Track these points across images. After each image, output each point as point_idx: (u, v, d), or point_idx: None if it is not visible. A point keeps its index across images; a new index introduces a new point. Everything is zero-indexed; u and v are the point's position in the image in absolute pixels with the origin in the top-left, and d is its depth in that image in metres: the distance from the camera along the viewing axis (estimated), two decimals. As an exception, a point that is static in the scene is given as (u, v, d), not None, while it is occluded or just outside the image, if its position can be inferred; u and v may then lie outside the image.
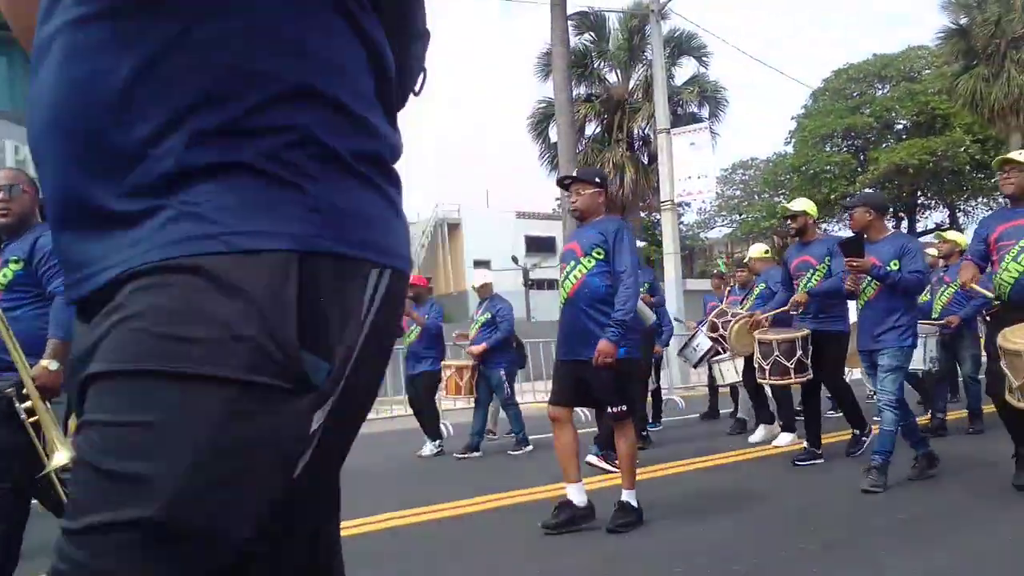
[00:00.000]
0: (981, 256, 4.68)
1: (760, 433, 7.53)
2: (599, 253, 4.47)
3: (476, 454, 7.80)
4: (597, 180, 4.67)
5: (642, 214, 30.33)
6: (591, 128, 24.66)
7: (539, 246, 37.26)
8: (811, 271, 6.12)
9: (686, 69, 24.28)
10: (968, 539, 3.86)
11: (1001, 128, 25.40)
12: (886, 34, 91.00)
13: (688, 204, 33.72)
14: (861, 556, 3.62)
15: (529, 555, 4.00)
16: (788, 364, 6.09)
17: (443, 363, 8.12)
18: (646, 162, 23.52)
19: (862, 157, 36.11)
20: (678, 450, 7.26)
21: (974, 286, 4.72)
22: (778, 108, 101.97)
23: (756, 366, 6.46)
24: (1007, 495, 4.61)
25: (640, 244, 6.58)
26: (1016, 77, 24.14)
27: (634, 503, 4.36)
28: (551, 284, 25.27)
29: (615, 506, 4.35)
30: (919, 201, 37.38)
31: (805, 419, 6.39)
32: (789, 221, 6.33)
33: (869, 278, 5.17)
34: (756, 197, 40.82)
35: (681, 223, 31.98)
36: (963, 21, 25.66)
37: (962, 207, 37.04)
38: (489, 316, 8.04)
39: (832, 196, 35.69)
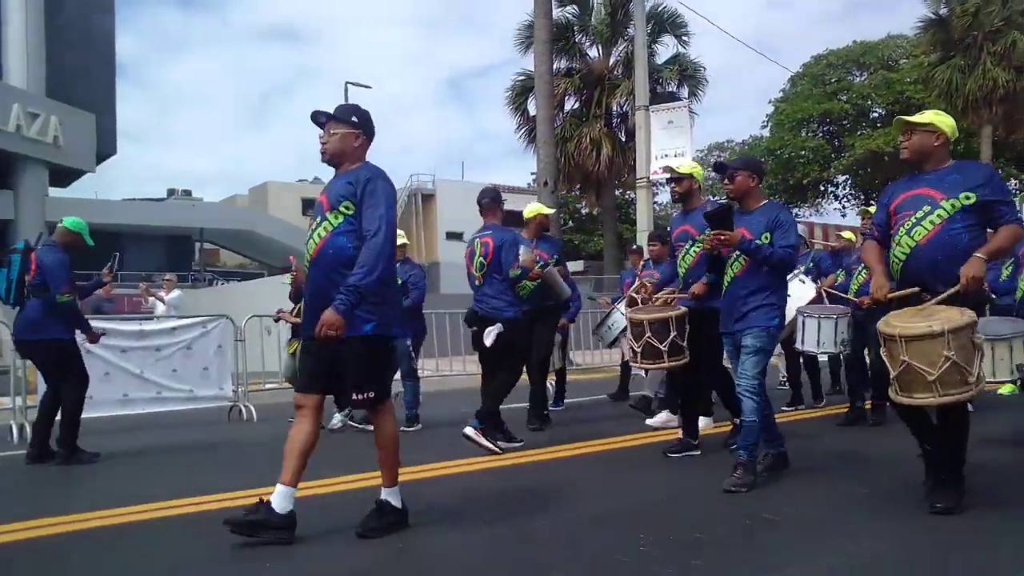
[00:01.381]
0: (883, 226, 4.16)
1: (661, 418, 7.00)
2: (348, 207, 3.70)
3: (418, 426, 7.41)
4: (354, 119, 3.84)
5: (617, 192, 30.32)
6: (570, 103, 24.58)
7: (514, 220, 37.09)
8: (690, 243, 5.48)
9: (667, 47, 24.24)
10: (818, 554, 3.33)
11: (974, 119, 25.66)
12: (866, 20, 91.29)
13: (664, 183, 33.75)
14: (671, 572, 3.11)
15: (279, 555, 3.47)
16: (661, 346, 5.54)
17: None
18: (623, 139, 23.47)
19: (837, 143, 36.35)
20: (563, 433, 6.83)
21: (830, 290, 4.67)
22: (757, 91, 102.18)
23: (628, 348, 5.90)
24: (884, 500, 4.12)
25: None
26: (991, 69, 24.37)
27: (396, 503, 3.79)
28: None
29: (373, 505, 3.79)
30: (890, 190, 37.71)
31: (682, 406, 5.89)
32: (673, 184, 5.66)
33: (737, 252, 4.69)
34: (731, 179, 41.00)
35: (656, 203, 32.11)
36: (943, 11, 25.81)
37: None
38: (400, 282, 7.24)
39: (805, 181, 35.95)
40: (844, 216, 38.41)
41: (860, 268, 6.79)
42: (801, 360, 7.98)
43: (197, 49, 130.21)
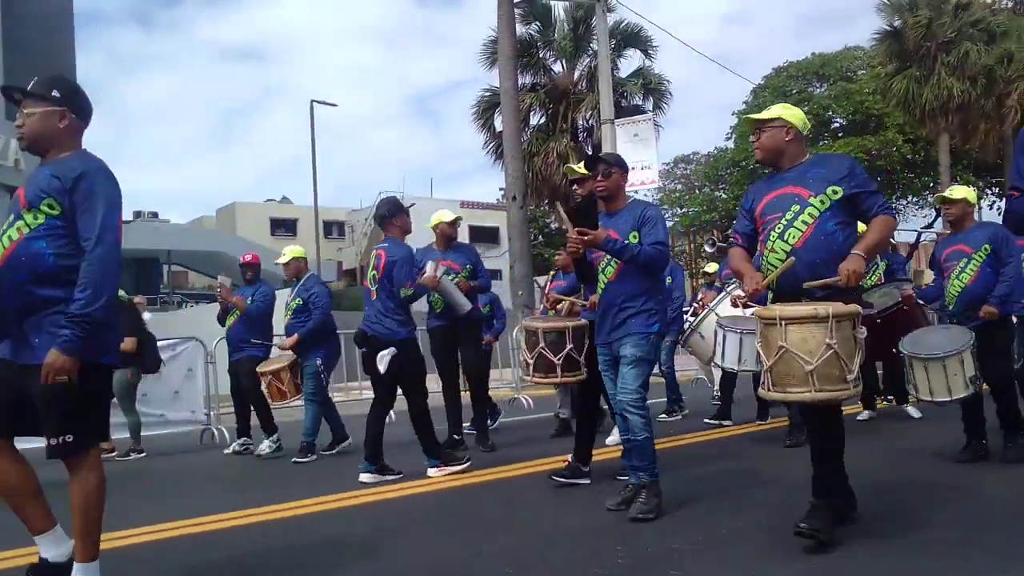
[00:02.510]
0: (747, 234, 3.88)
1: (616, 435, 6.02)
2: (51, 206, 3.00)
3: (312, 457, 6.86)
4: (56, 94, 3.14)
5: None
6: (536, 118, 24.73)
7: (484, 236, 37.24)
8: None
9: (631, 61, 24.53)
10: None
11: (931, 128, 26.25)
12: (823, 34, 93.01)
13: (631, 196, 34.03)
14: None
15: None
16: (554, 359, 5.09)
17: (259, 369, 7.22)
18: (590, 153, 23.66)
19: (800, 153, 36.83)
20: (484, 457, 6.45)
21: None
22: (720, 104, 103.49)
23: (521, 359, 5.52)
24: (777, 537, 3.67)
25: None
26: (945, 79, 24.96)
27: None
28: (495, 274, 25.35)
29: None
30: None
31: (576, 428, 5.40)
32: (575, 186, 5.31)
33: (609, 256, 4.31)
34: (697, 191, 41.42)
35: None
36: (897, 23, 26.42)
37: (894, 205, 38.18)
38: (301, 301, 7.18)
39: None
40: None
41: None
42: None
43: (159, 68, 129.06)
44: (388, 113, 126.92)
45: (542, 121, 24.81)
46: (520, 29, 21.24)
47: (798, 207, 3.64)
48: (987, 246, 5.25)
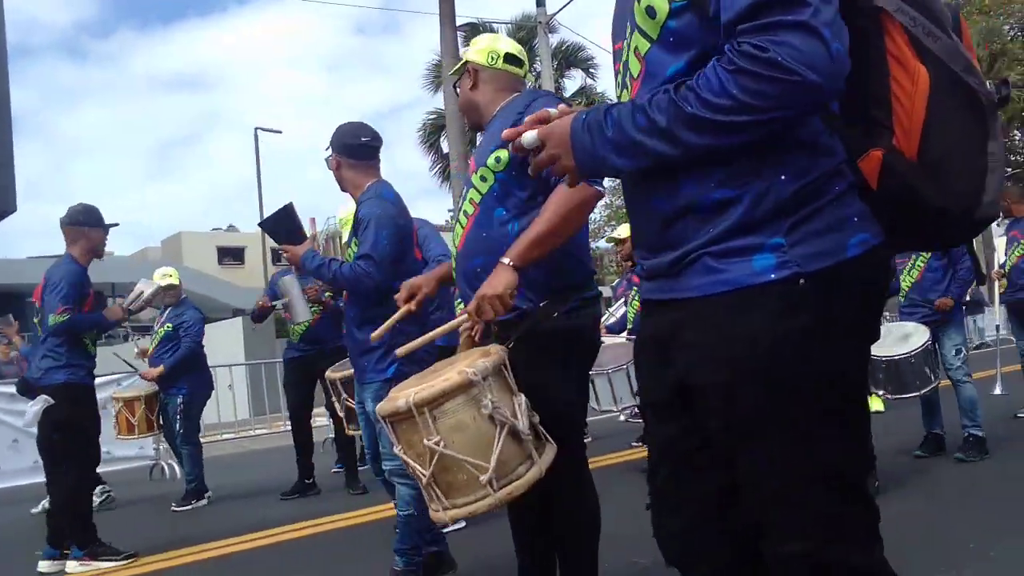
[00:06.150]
0: None
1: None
2: None
3: (204, 501, 6.56)
4: None
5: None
6: (482, 139, 24.89)
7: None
8: None
9: (574, 80, 24.86)
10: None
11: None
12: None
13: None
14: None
15: None
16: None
17: (112, 395, 6.85)
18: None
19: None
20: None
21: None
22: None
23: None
24: None
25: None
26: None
27: None
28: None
29: None
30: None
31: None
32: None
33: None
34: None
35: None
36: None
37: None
38: (171, 327, 6.60)
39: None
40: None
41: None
42: None
43: (95, 100, 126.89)
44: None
45: (488, 142, 24.97)
46: (463, 52, 21.40)
47: (465, 188, 2.61)
48: None
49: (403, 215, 3.46)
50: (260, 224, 3.86)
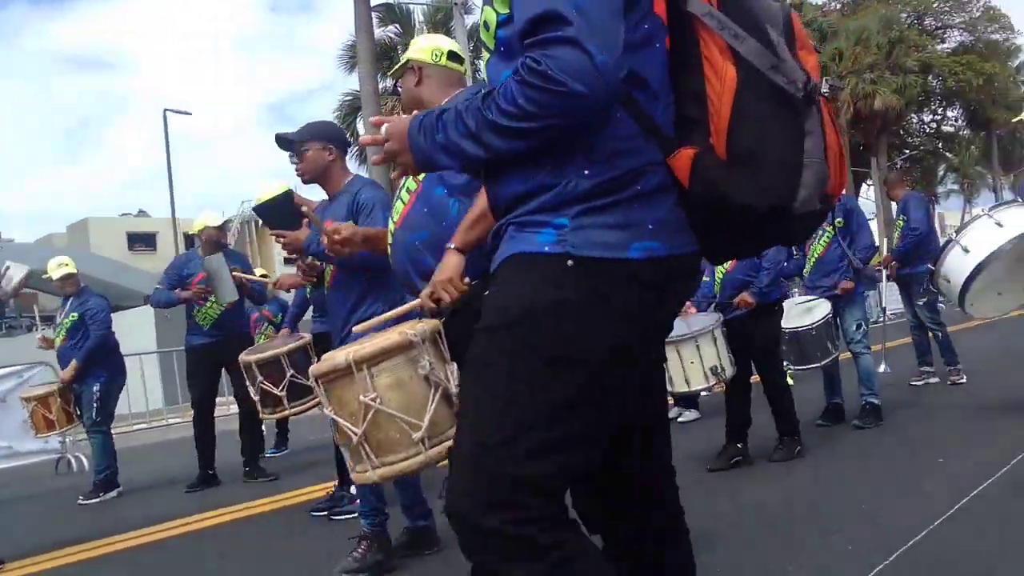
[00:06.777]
0: None
1: None
2: None
3: (114, 493, 6.42)
4: None
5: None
6: (400, 121, 24.65)
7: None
8: None
9: (490, 63, 24.83)
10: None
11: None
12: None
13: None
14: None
15: None
16: (278, 392, 4.62)
17: (22, 395, 6.75)
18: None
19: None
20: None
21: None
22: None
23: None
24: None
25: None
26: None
27: None
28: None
29: None
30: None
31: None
32: None
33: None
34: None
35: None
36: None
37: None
38: (76, 317, 6.45)
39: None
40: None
41: None
42: None
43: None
44: (248, 120, 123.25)
45: (406, 124, 24.75)
46: (379, 32, 21.15)
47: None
48: (839, 219, 5.70)
49: None
50: (256, 208, 3.73)
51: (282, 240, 3.42)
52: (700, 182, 1.39)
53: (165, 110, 28.25)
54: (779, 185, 1.38)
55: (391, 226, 2.79)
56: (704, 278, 5.26)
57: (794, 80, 1.38)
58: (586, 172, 1.41)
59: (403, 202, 2.72)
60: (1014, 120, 7.01)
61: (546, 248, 1.41)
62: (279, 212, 3.50)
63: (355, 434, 2.12)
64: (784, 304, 5.37)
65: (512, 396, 1.40)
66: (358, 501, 4.28)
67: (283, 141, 3.65)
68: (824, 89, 1.42)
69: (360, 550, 3.38)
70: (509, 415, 1.39)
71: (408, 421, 2.11)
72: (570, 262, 1.39)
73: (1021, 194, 5.34)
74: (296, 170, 3.66)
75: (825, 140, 1.42)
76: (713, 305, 5.18)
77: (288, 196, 3.57)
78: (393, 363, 2.13)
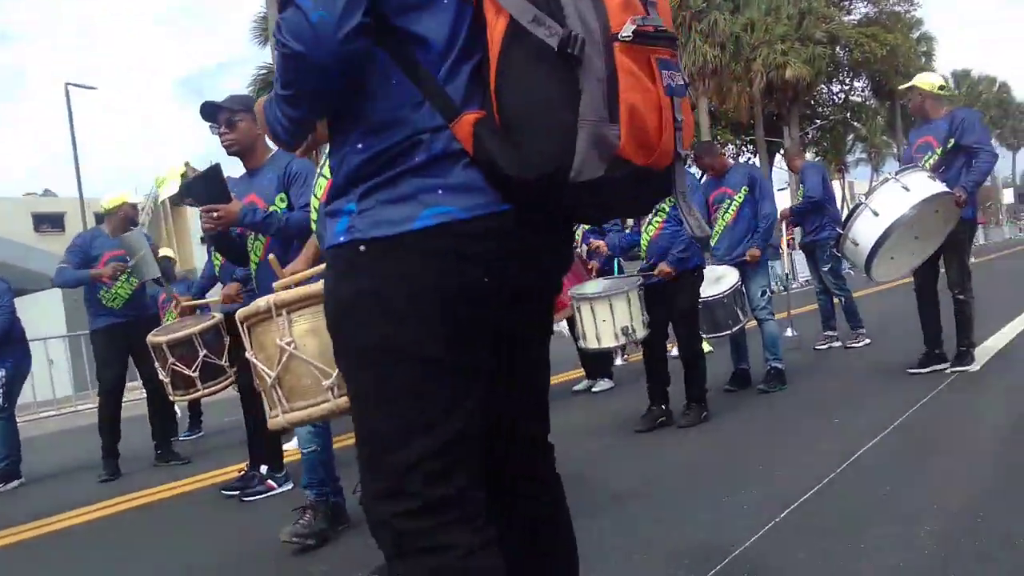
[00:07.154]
0: None
1: None
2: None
3: (15, 483, 6.13)
4: None
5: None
6: (317, 94, 24.20)
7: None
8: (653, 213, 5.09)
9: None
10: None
11: (691, 94, 28.29)
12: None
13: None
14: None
15: None
16: (190, 372, 4.55)
17: None
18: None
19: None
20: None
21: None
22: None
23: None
24: None
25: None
26: (700, 46, 27.00)
27: None
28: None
29: None
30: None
31: (250, 443, 4.75)
32: None
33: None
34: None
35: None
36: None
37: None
38: None
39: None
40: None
41: None
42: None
43: None
44: (160, 95, 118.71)
45: (323, 97, 24.31)
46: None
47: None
48: (745, 187, 5.87)
49: None
50: (184, 186, 3.69)
51: (215, 213, 3.33)
52: (480, 150, 1.29)
53: (67, 84, 26.97)
54: (546, 152, 1.24)
55: (315, 202, 2.90)
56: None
57: (555, 32, 1.22)
58: (359, 146, 1.35)
59: (326, 178, 2.79)
60: (900, 88, 7.27)
61: (341, 239, 1.37)
62: (208, 188, 3.42)
63: (269, 376, 2.24)
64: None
65: (359, 390, 1.42)
66: (269, 482, 4.32)
67: (212, 109, 3.57)
68: (625, 34, 1.23)
69: (306, 518, 3.46)
70: (365, 410, 1.41)
71: (320, 368, 2.19)
72: (362, 247, 1.34)
73: (906, 162, 5.54)
74: (223, 140, 3.61)
75: (619, 95, 1.23)
76: (639, 270, 5.31)
77: (217, 170, 3.50)
78: (312, 310, 2.20)
